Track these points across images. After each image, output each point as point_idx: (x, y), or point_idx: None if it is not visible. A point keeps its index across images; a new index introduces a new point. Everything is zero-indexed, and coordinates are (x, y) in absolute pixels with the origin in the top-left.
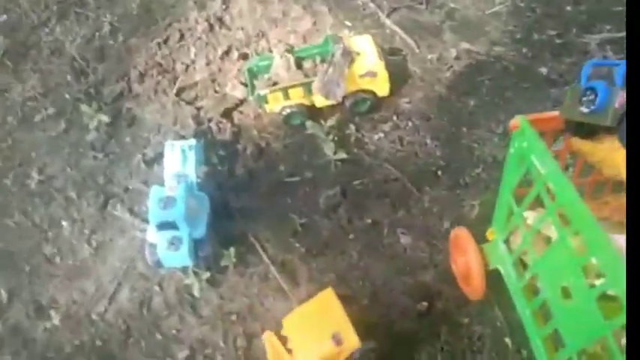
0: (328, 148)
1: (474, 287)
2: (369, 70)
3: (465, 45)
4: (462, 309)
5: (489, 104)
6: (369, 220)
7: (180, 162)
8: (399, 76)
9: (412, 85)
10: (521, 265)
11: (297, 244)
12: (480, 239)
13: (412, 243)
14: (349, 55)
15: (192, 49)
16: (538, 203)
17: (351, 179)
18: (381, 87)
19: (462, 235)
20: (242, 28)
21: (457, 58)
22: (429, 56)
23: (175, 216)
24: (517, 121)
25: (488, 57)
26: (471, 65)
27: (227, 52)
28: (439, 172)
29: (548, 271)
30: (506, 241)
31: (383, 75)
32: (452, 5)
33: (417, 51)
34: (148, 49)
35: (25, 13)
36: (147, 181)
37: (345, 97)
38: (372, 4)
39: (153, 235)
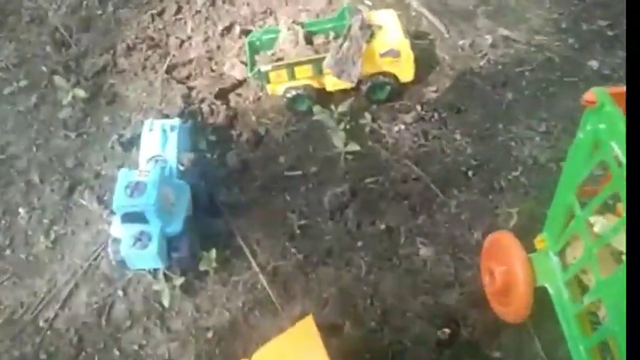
0: (338, 139)
1: (516, 306)
2: (391, 48)
3: (503, 32)
4: (492, 339)
5: (530, 99)
6: (383, 226)
7: (159, 144)
8: (425, 62)
9: (440, 73)
10: (579, 285)
11: (294, 250)
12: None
13: (434, 256)
14: (369, 29)
15: (190, 24)
16: (610, 207)
17: (363, 176)
18: (405, 70)
19: (503, 239)
20: (247, 4)
21: (493, 45)
22: (461, 42)
23: (144, 205)
24: (593, 94)
25: (528, 46)
26: (508, 54)
27: (228, 29)
28: (470, 173)
29: (617, 297)
30: (561, 253)
31: (408, 55)
32: None
33: (447, 36)
34: (139, 22)
35: None
36: (122, 167)
37: (360, 81)
38: None
39: (117, 228)
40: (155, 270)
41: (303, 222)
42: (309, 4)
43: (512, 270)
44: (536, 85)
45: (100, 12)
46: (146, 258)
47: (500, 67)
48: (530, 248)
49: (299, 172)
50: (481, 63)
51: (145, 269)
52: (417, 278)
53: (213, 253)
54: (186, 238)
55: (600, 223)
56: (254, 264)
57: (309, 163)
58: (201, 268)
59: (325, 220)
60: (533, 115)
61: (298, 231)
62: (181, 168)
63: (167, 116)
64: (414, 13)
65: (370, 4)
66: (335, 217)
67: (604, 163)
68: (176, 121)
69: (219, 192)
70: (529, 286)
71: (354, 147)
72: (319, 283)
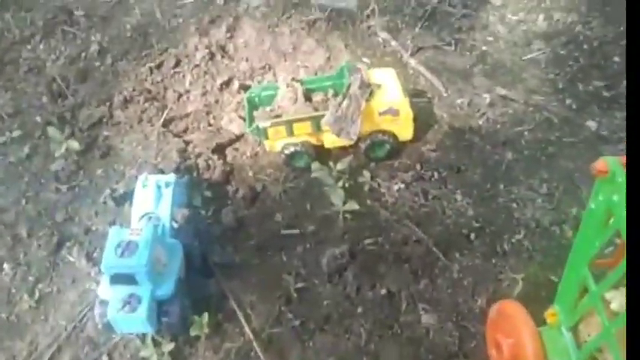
0: (337, 197)
1: None
2: (390, 106)
3: (500, 91)
4: None
5: (530, 159)
6: (384, 291)
7: (152, 200)
8: (423, 121)
9: (438, 131)
10: None
11: (290, 315)
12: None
13: (436, 324)
14: (368, 88)
15: (188, 77)
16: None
17: (362, 237)
18: (404, 129)
19: (510, 309)
20: (246, 59)
21: (491, 104)
22: (459, 101)
23: (135, 267)
24: (604, 163)
25: (526, 106)
26: (507, 114)
27: (227, 83)
28: (471, 236)
29: None
30: (574, 330)
31: (407, 114)
32: (484, 48)
33: (445, 94)
34: (137, 74)
35: (7, 27)
36: (114, 223)
37: (359, 138)
38: (394, 42)
39: (105, 289)
40: (143, 334)
41: (300, 285)
42: (307, 61)
43: (520, 343)
44: (535, 145)
45: (98, 63)
46: (135, 322)
47: (499, 126)
48: (538, 319)
49: (296, 231)
50: (480, 122)
51: (133, 334)
52: (420, 348)
53: (206, 317)
54: (178, 301)
55: (618, 301)
56: (247, 330)
57: (306, 221)
58: (192, 333)
59: (323, 283)
60: (534, 175)
61: (295, 294)
62: (175, 225)
63: (162, 171)
64: (411, 71)
65: (368, 61)
66: (333, 280)
67: (618, 234)
68: (171, 177)
69: (213, 251)
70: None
71: (352, 206)
72: (317, 353)
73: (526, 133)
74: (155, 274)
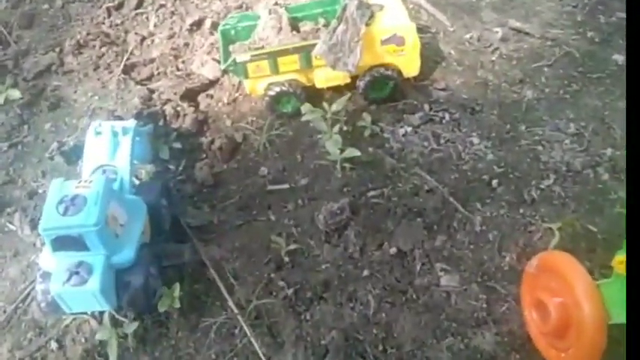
0: (333, 145)
1: (580, 351)
2: (394, 33)
3: (514, 24)
4: None
5: (552, 97)
6: (393, 249)
7: (107, 150)
8: (429, 58)
9: (447, 69)
10: None
11: (282, 283)
12: None
13: (459, 286)
14: (368, 9)
15: (153, 19)
16: None
17: (364, 189)
18: (410, 62)
19: (556, 262)
20: None
21: (503, 39)
22: (467, 36)
23: (83, 227)
24: None
25: (543, 40)
26: (522, 49)
27: (198, 24)
28: (493, 183)
29: None
30: None
31: (414, 43)
32: None
33: (451, 29)
34: (93, 17)
35: None
36: None
37: (356, 76)
38: None
39: (48, 258)
40: (100, 313)
41: (292, 247)
42: None
43: (573, 302)
44: (557, 82)
45: (46, 6)
46: (86, 298)
47: (514, 62)
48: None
49: (285, 186)
50: (492, 58)
51: (86, 313)
52: (440, 316)
53: (177, 288)
54: (141, 270)
55: None
56: (231, 302)
57: (297, 174)
58: (161, 308)
59: (320, 244)
60: (559, 115)
61: (286, 258)
62: (137, 182)
63: (120, 119)
64: (411, 5)
65: None
66: (332, 240)
67: None
68: (130, 123)
69: (186, 212)
70: (599, 323)
71: (352, 153)
72: (316, 326)
73: (545, 69)
74: (111, 236)
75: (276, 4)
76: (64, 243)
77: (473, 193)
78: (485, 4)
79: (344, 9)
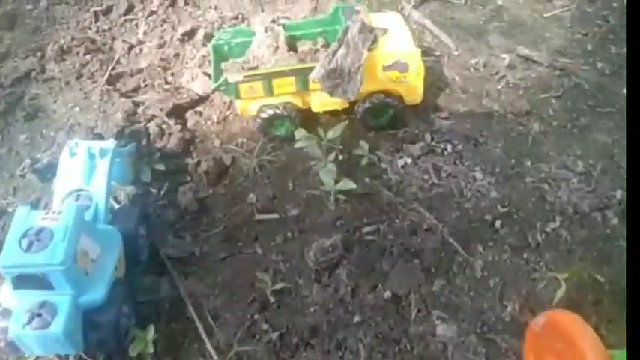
0: (327, 174)
1: None
2: (398, 59)
3: (522, 51)
4: None
5: (560, 131)
6: (387, 293)
7: (82, 173)
8: (432, 83)
9: (451, 96)
10: None
11: (266, 326)
12: None
13: (456, 337)
14: (371, 33)
15: (142, 26)
16: None
17: (359, 224)
18: (413, 89)
19: (568, 323)
20: (215, 7)
21: (510, 66)
22: (472, 61)
23: (48, 265)
24: None
25: (552, 69)
26: (530, 78)
27: (190, 34)
28: (496, 224)
29: None
30: None
31: (418, 70)
32: (499, 3)
33: (456, 53)
34: (79, 21)
35: None
36: (38, 202)
37: (355, 101)
38: None
39: (8, 295)
40: (66, 355)
41: (279, 285)
42: (289, 11)
43: None
44: (565, 115)
45: (30, 7)
46: (49, 341)
47: (521, 92)
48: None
49: (274, 216)
50: (498, 86)
51: (49, 355)
52: None
53: (151, 331)
54: (113, 309)
55: None
56: (209, 346)
57: (288, 203)
58: (133, 352)
59: (309, 284)
60: (566, 151)
61: (272, 298)
62: (115, 206)
63: (101, 137)
64: (415, 26)
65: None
66: (322, 279)
67: None
68: (109, 144)
69: (166, 241)
70: None
71: (347, 185)
72: None
73: (553, 100)
74: (79, 274)
75: (273, 21)
76: (26, 281)
77: (474, 234)
78: (493, 28)
79: (345, 31)
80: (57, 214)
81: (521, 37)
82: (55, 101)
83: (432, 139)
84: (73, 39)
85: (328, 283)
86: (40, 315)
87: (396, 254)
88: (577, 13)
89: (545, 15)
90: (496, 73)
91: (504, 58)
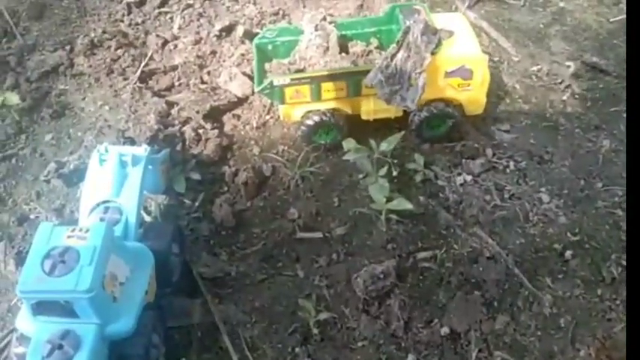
0: (378, 190)
1: None
2: (462, 64)
3: (588, 58)
4: None
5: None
6: (445, 329)
7: (112, 183)
8: (491, 91)
9: (512, 106)
10: None
11: None
12: None
13: None
14: (435, 35)
15: (178, 20)
16: None
17: (413, 248)
18: (475, 99)
19: None
20: (254, 2)
21: (576, 75)
22: (534, 68)
23: (72, 293)
24: None
25: (621, 79)
26: (597, 88)
27: (228, 30)
28: (567, 254)
29: None
30: None
31: (483, 78)
32: (561, 5)
33: (516, 59)
34: (111, 13)
35: None
36: (62, 209)
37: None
38: None
39: (26, 320)
40: None
41: (323, 315)
42: (334, 8)
43: None
44: None
45: None
46: None
47: (589, 104)
48: None
49: (318, 234)
50: (564, 97)
51: None
52: None
53: None
54: (141, 340)
55: None
56: None
57: (333, 220)
58: None
59: (357, 314)
60: None
61: (315, 329)
62: (146, 218)
63: (132, 141)
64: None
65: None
66: (372, 310)
67: None
68: (142, 150)
69: (200, 259)
70: None
71: (401, 204)
72: None
73: (624, 115)
74: (107, 301)
75: (324, 18)
76: (47, 308)
77: (542, 265)
78: (555, 33)
79: (406, 32)
80: (84, 232)
81: (585, 43)
82: (84, 98)
83: (494, 155)
84: (104, 32)
85: (378, 314)
86: (61, 347)
87: (455, 285)
88: None
89: (611, 20)
90: (560, 82)
91: (569, 66)
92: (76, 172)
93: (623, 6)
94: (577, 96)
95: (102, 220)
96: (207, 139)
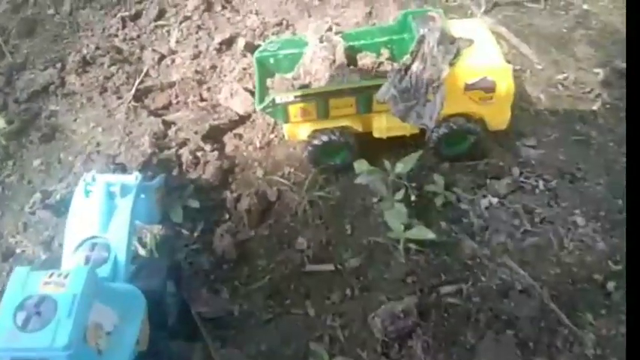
0: (394, 217)
1: None
2: (484, 76)
3: (618, 64)
4: None
5: None
6: None
7: (99, 217)
8: (514, 104)
9: (538, 119)
10: None
11: None
12: None
13: None
14: (453, 44)
15: (175, 34)
16: None
17: (436, 282)
18: (499, 113)
19: None
20: (256, 12)
21: (606, 83)
22: (559, 76)
23: (48, 350)
24: None
25: None
26: None
27: (228, 43)
28: (609, 285)
29: None
30: None
31: (507, 90)
32: (585, 7)
33: (539, 67)
34: (105, 27)
35: None
36: (50, 242)
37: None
38: None
39: None
40: None
41: (338, 359)
42: (340, 17)
43: None
44: None
45: (51, 12)
46: None
47: (622, 114)
48: None
49: (329, 267)
50: (594, 107)
51: None
52: None
53: None
54: None
55: None
56: None
57: (345, 251)
58: None
59: (375, 358)
60: None
61: None
62: (140, 250)
63: (123, 168)
64: None
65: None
66: (392, 354)
67: None
68: (133, 178)
69: (199, 297)
70: None
71: (421, 233)
72: None
73: None
74: (90, 356)
75: (330, 29)
76: None
77: (582, 299)
78: (580, 37)
79: (420, 41)
80: (63, 278)
81: (613, 47)
82: (75, 120)
83: (521, 174)
84: (97, 48)
85: (399, 358)
86: None
87: (484, 323)
88: None
89: None
90: (590, 92)
91: (598, 73)
92: (64, 201)
93: None
94: (608, 106)
95: (88, 258)
96: (206, 162)
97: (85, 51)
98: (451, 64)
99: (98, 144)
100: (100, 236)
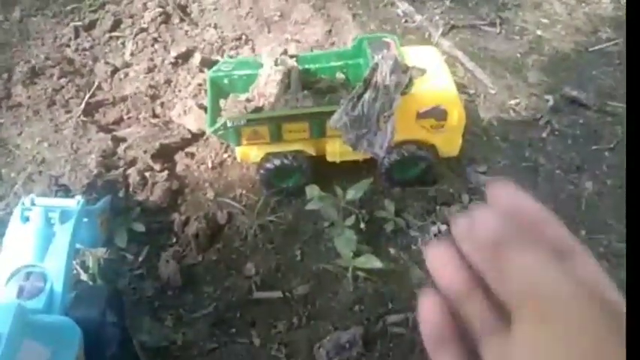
0: (344, 244)
1: None
2: (437, 104)
3: (568, 92)
4: None
5: (616, 192)
6: None
7: (36, 244)
8: (466, 128)
9: (489, 145)
10: None
11: None
12: None
13: None
14: (405, 73)
15: (130, 46)
16: None
17: (383, 311)
18: (450, 141)
19: None
20: (215, 26)
21: (555, 110)
22: (512, 102)
23: None
24: None
25: (601, 114)
26: (578, 125)
27: (184, 57)
28: None
29: None
30: None
31: (459, 118)
32: (538, 33)
33: (492, 91)
34: (56, 36)
35: None
36: None
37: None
38: (418, 16)
39: None
40: None
41: None
42: (300, 34)
43: None
44: (621, 172)
45: (0, 18)
46: None
47: (569, 141)
48: None
49: (277, 294)
50: (543, 134)
51: None
52: None
53: None
54: None
55: None
56: None
57: (294, 277)
58: None
59: None
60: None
61: None
62: (82, 275)
63: (66, 190)
64: (444, 56)
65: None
66: None
67: None
68: (74, 202)
69: (141, 326)
70: None
71: (370, 262)
72: None
73: (606, 153)
74: None
75: (285, 52)
76: None
77: None
78: (532, 63)
79: (374, 69)
80: None
81: (563, 74)
82: (20, 133)
83: (471, 200)
84: (47, 58)
85: None
86: None
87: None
88: (625, 48)
89: (590, 49)
90: (540, 118)
91: (548, 100)
92: (3, 223)
93: (602, 34)
94: (557, 132)
95: (21, 288)
96: (154, 183)
97: (33, 61)
98: (403, 94)
99: (43, 160)
100: (36, 265)
